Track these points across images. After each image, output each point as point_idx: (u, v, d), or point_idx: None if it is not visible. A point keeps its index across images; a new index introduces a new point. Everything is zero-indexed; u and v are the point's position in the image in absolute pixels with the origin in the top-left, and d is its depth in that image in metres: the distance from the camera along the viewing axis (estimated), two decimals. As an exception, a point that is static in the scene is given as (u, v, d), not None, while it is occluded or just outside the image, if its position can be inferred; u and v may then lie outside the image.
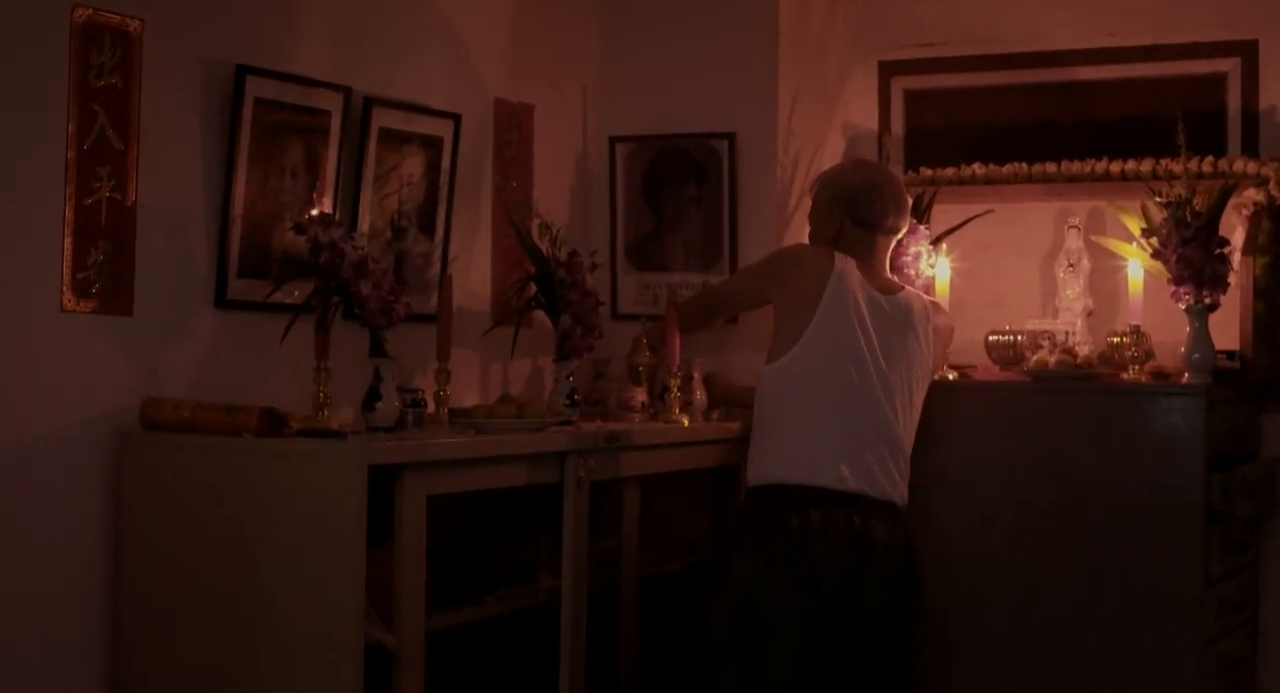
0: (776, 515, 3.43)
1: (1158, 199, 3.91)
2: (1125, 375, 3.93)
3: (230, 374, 3.29)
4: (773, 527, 3.42)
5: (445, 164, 3.80)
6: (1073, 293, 4.30)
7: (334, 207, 3.49)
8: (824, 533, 3.40)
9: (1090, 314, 4.29)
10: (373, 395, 3.22)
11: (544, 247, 3.71)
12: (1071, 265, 4.30)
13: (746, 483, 3.59)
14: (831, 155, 4.49)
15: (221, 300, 3.28)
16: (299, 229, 3.19)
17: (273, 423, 3.00)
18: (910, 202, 3.81)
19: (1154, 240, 3.91)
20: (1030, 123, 4.47)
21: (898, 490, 3.56)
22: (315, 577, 2.85)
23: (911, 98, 4.60)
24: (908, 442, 3.61)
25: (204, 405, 3.06)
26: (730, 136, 4.24)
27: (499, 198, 4.01)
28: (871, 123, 4.62)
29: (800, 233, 4.22)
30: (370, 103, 3.58)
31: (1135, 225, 4.03)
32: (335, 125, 3.49)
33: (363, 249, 3.21)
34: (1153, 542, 3.73)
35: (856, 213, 3.66)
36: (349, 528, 2.81)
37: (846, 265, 3.57)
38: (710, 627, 3.48)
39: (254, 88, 3.30)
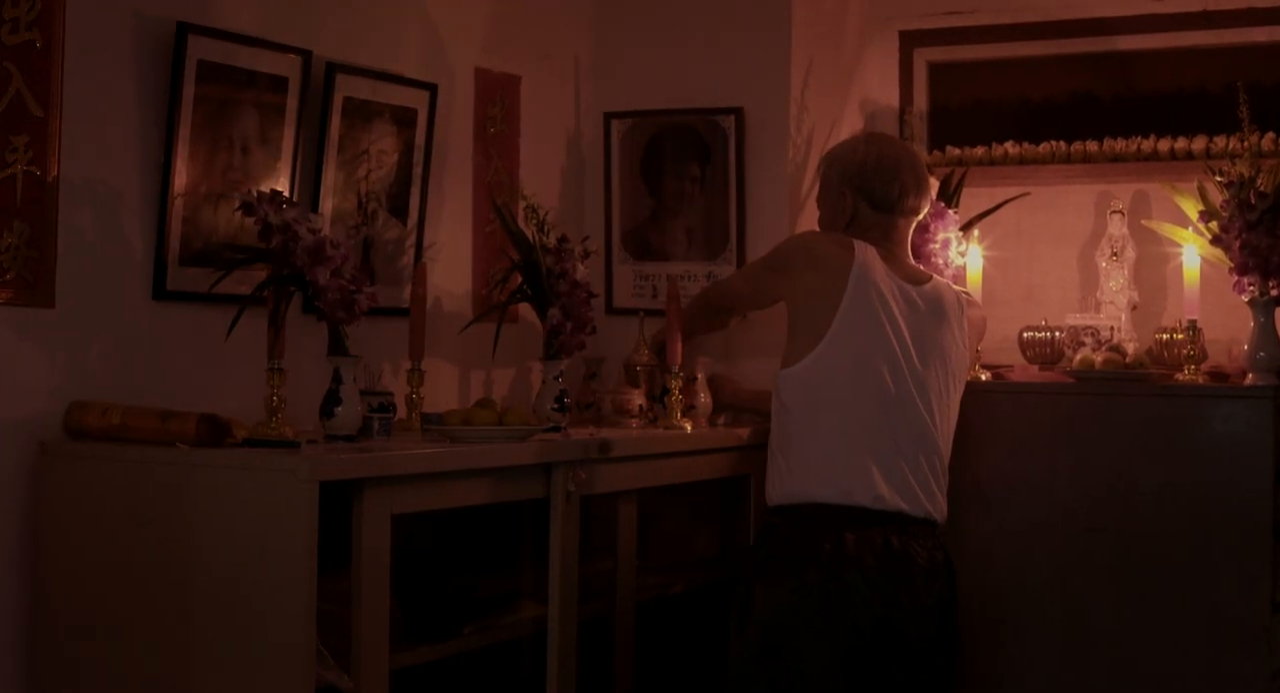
0: (806, 540, 3.18)
1: (1218, 179, 3.63)
2: (1179, 377, 3.65)
3: (170, 375, 3.06)
4: (802, 553, 3.17)
5: (420, 140, 3.60)
6: (1116, 285, 4.04)
7: (291, 186, 3.27)
8: (860, 558, 3.15)
9: (1135, 308, 4.03)
10: (331, 399, 3.00)
11: (530, 233, 3.51)
12: (1115, 254, 4.05)
13: (767, 502, 3.35)
14: (848, 134, 4.25)
15: (160, 291, 3.05)
16: (247, 209, 2.92)
17: (213, 431, 2.76)
18: (930, 179, 3.57)
19: (1213, 225, 3.62)
20: (1068, 97, 4.23)
21: (937, 506, 3.30)
22: (259, 610, 2.61)
23: (936, 71, 4.38)
24: (946, 450, 3.36)
25: (136, 411, 2.82)
26: (737, 112, 4.02)
27: (480, 178, 3.83)
28: (892, 98, 4.39)
29: (814, 217, 3.98)
30: (333, 69, 3.36)
31: (1192, 208, 3.77)
32: (293, 94, 3.26)
33: (320, 231, 2.96)
34: (1214, 563, 3.47)
35: (872, 194, 3.42)
36: (298, 553, 2.58)
37: (868, 254, 3.32)
38: (731, 669, 3.22)
39: (197, 49, 3.06)
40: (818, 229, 3.59)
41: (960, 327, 3.41)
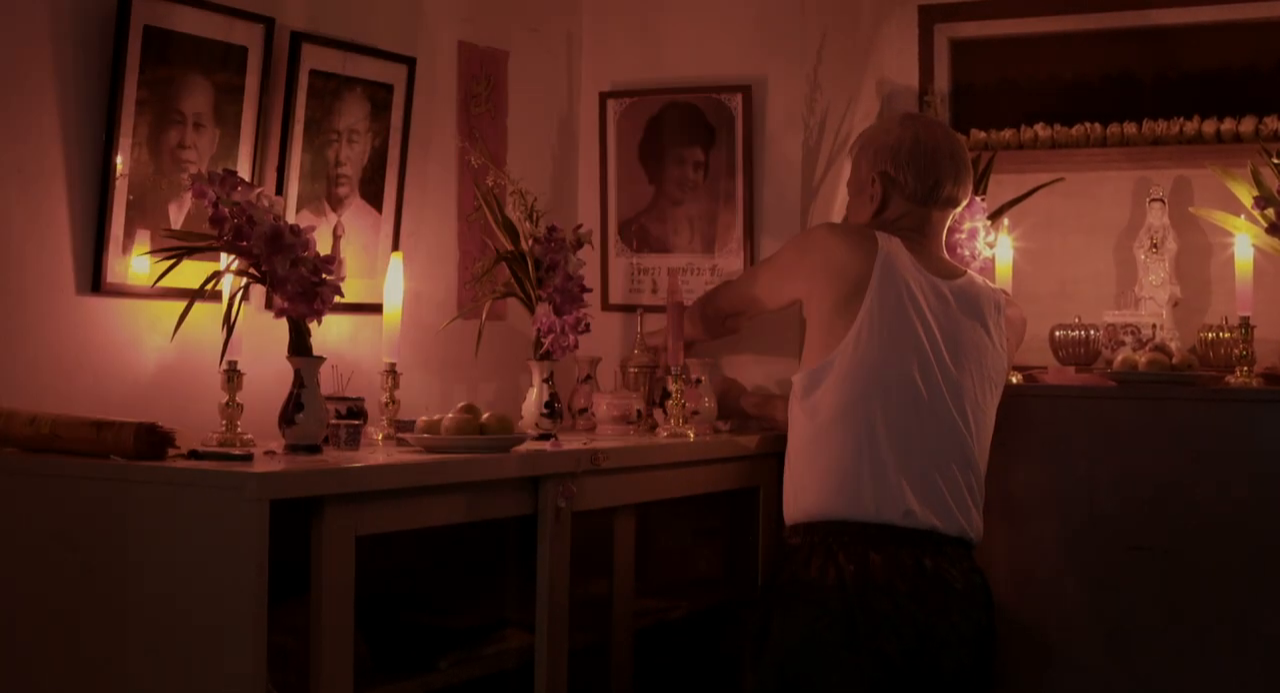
0: (827, 562, 3.01)
1: (1275, 161, 3.44)
2: (1230, 379, 3.44)
3: (108, 380, 2.88)
4: (823, 576, 3.00)
5: (396, 119, 3.42)
6: (1156, 279, 3.83)
7: (253, 168, 3.09)
8: (889, 582, 2.98)
9: (1176, 304, 3.84)
10: (292, 405, 2.78)
11: (518, 221, 3.36)
12: (1154, 246, 3.85)
13: (784, 520, 3.18)
14: (864, 116, 4.06)
15: (98, 284, 2.85)
16: (197, 190, 2.71)
17: (153, 443, 2.54)
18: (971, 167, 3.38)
19: (1270, 211, 3.41)
20: (1103, 76, 4.10)
21: (973, 524, 3.11)
22: (203, 644, 2.42)
23: (959, 48, 4.23)
24: (982, 462, 3.17)
25: (68, 420, 2.61)
26: (745, 90, 3.81)
27: (464, 162, 3.62)
28: (911, 78, 4.21)
29: (828, 206, 3.87)
30: (299, 39, 3.18)
31: (1245, 194, 3.55)
32: (254, 65, 3.08)
33: (279, 216, 2.74)
34: (1271, 585, 3.29)
35: (904, 182, 3.23)
36: (246, 580, 2.38)
37: (893, 246, 3.14)
38: None
39: (144, 13, 2.86)
40: (840, 219, 3.43)
41: (997, 327, 3.21)
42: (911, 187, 3.20)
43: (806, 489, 3.08)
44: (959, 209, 3.29)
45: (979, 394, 3.13)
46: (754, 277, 3.51)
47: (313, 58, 3.16)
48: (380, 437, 3.03)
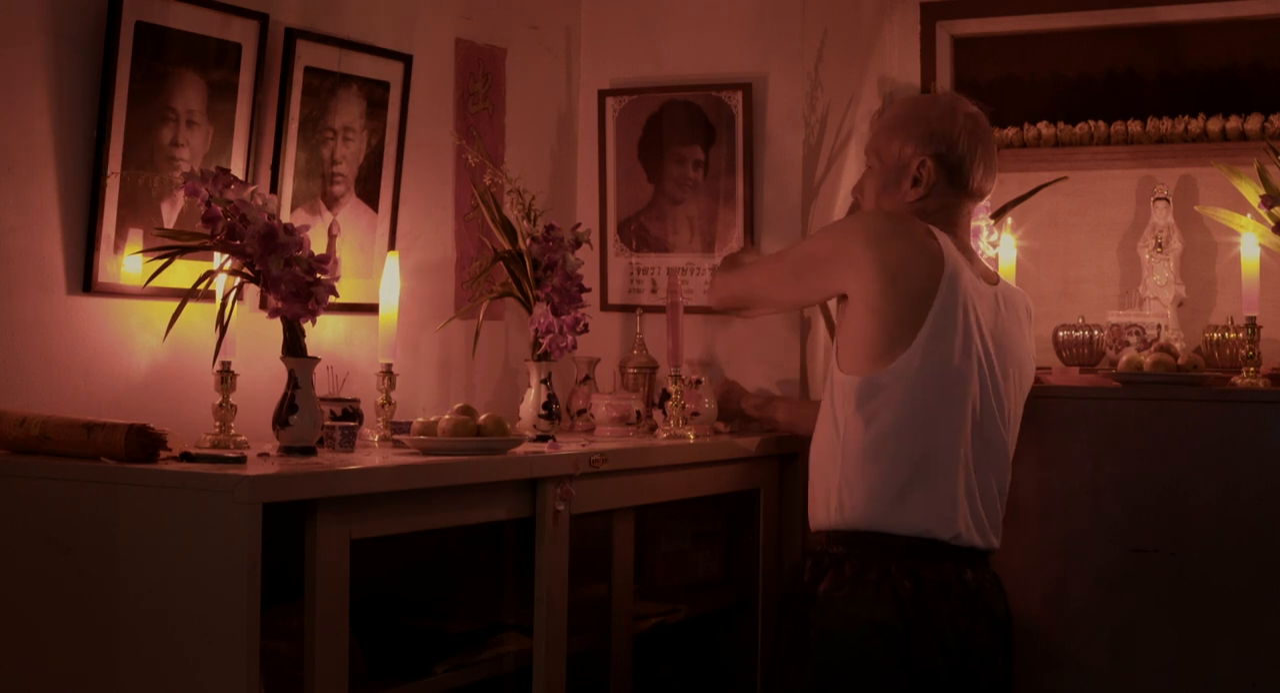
0: (880, 575, 2.85)
1: None
2: (1236, 380, 3.37)
3: (100, 381, 2.82)
4: (875, 590, 2.84)
5: (393, 117, 3.37)
6: (1161, 279, 3.79)
7: (247, 167, 3.05)
8: (942, 599, 2.85)
9: (1181, 305, 3.79)
10: (287, 407, 2.74)
11: (516, 220, 3.33)
12: (1159, 245, 3.80)
13: (816, 525, 3.00)
14: (866, 114, 3.99)
15: (89, 284, 2.80)
16: (189, 188, 2.68)
17: (145, 445, 2.49)
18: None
19: (1277, 210, 3.37)
20: (1107, 73, 4.07)
21: (999, 533, 3.00)
22: (194, 649, 2.37)
23: (961, 45, 4.20)
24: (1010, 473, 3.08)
25: (58, 422, 2.56)
26: (745, 88, 3.76)
27: (461, 161, 3.58)
28: (913, 75, 4.15)
29: (829, 205, 3.83)
30: (294, 35, 3.12)
31: (1252, 192, 3.51)
32: (248, 62, 3.03)
33: (273, 215, 2.70)
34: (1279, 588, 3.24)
35: (956, 167, 2.96)
36: (238, 585, 2.33)
37: (952, 251, 2.89)
38: None
39: (136, 9, 2.81)
40: (847, 211, 3.32)
41: (1029, 335, 3.09)
42: (963, 175, 2.96)
43: (854, 496, 2.90)
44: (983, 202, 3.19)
45: (1015, 406, 3.01)
46: (792, 265, 3.17)
47: (308, 55, 3.11)
48: (376, 438, 2.98)
